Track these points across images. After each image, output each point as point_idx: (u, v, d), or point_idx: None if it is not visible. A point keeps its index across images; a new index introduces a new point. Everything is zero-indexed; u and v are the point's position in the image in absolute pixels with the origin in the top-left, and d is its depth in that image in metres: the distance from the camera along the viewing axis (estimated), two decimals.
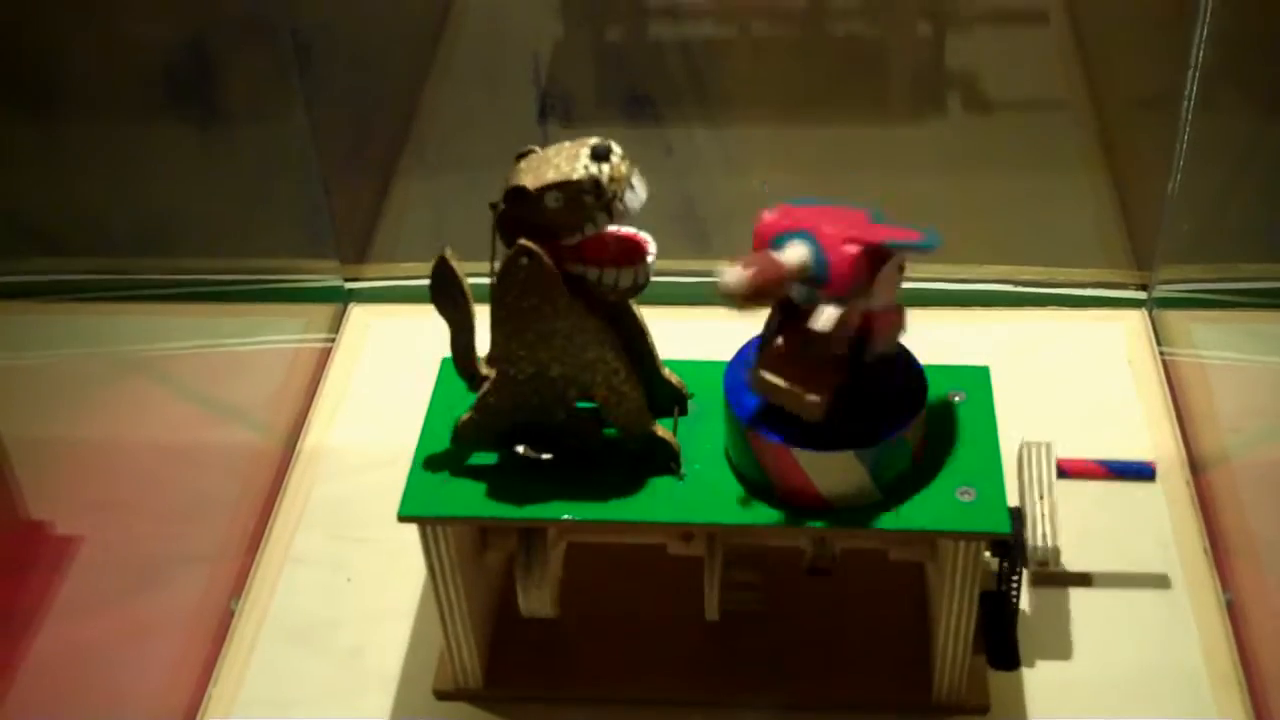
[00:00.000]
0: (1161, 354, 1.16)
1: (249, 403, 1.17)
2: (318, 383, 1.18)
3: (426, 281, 0.83)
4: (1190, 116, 1.13)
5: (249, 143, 1.28)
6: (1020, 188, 1.33)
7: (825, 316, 0.77)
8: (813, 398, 0.79)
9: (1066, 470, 0.94)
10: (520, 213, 0.78)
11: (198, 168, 1.24)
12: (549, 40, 1.41)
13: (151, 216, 1.23)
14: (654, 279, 0.82)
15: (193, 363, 1.19)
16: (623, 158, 0.77)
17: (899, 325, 0.83)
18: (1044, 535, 0.89)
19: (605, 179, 0.77)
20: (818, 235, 0.77)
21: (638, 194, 0.78)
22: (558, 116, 1.43)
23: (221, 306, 1.25)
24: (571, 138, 0.79)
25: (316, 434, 1.14)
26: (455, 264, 0.82)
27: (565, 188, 0.77)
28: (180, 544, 1.05)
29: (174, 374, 1.17)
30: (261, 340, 1.24)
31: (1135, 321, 1.20)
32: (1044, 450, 0.93)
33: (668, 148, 1.40)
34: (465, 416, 0.86)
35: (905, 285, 0.76)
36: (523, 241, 0.78)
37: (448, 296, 0.83)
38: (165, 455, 1.11)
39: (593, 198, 0.77)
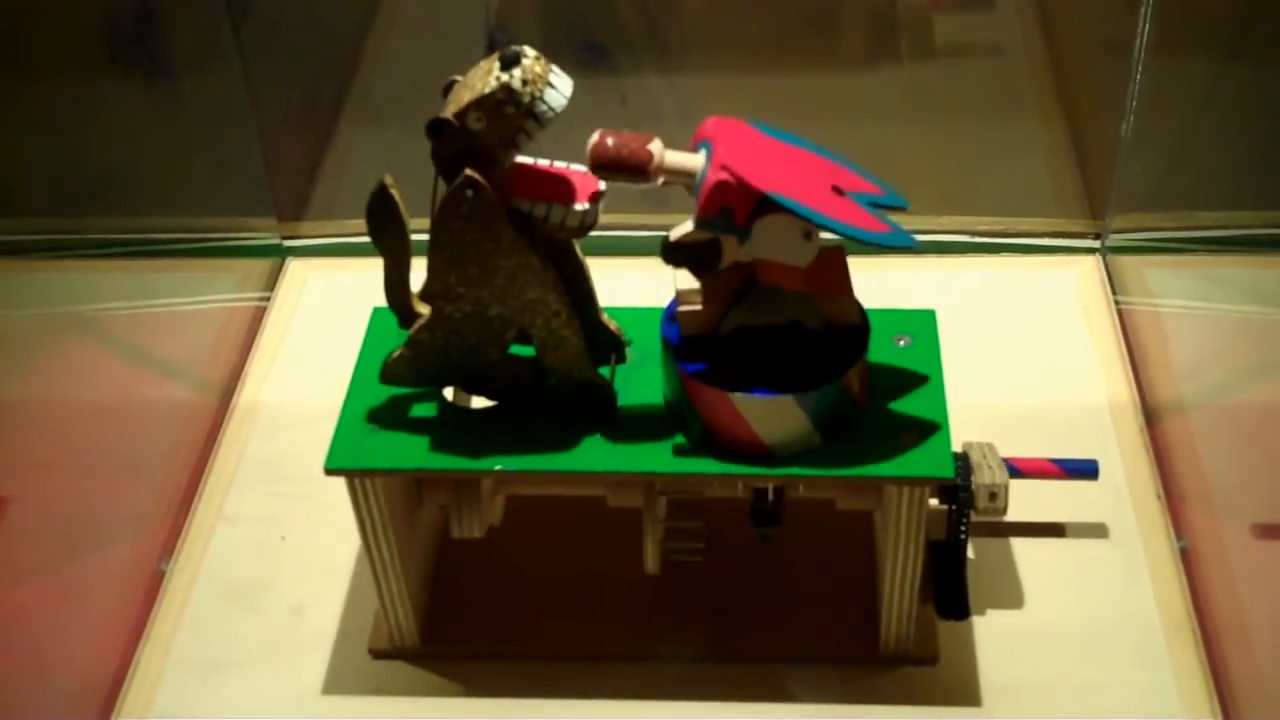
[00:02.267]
0: (1116, 301, 1.14)
1: (184, 360, 1.14)
2: (254, 338, 1.16)
3: (367, 239, 0.80)
4: (1142, 58, 1.11)
5: (183, 96, 1.25)
6: (974, 134, 1.31)
7: (677, 228, 0.76)
8: (686, 305, 0.78)
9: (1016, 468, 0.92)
10: (451, 144, 0.75)
11: (130, 122, 1.21)
12: None
13: (83, 173, 1.20)
14: (606, 231, 0.80)
15: (126, 320, 1.16)
16: (536, 58, 0.74)
17: (839, 288, 0.80)
18: (991, 469, 0.87)
19: (518, 83, 0.74)
20: (712, 152, 0.74)
21: (560, 91, 0.75)
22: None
23: (156, 263, 1.22)
24: None
25: (251, 390, 1.11)
26: (396, 192, 0.79)
27: (482, 104, 0.74)
28: (112, 504, 1.02)
29: (107, 332, 1.14)
30: (197, 297, 1.21)
31: (1089, 268, 1.18)
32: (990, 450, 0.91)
33: (622, 97, 1.38)
34: (395, 353, 0.83)
35: None
36: (468, 172, 0.75)
37: (386, 226, 0.80)
38: (98, 414, 1.08)
39: (513, 107, 0.74)
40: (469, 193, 0.76)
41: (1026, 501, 0.95)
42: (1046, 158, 1.30)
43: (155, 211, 1.23)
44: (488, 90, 0.73)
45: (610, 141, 0.73)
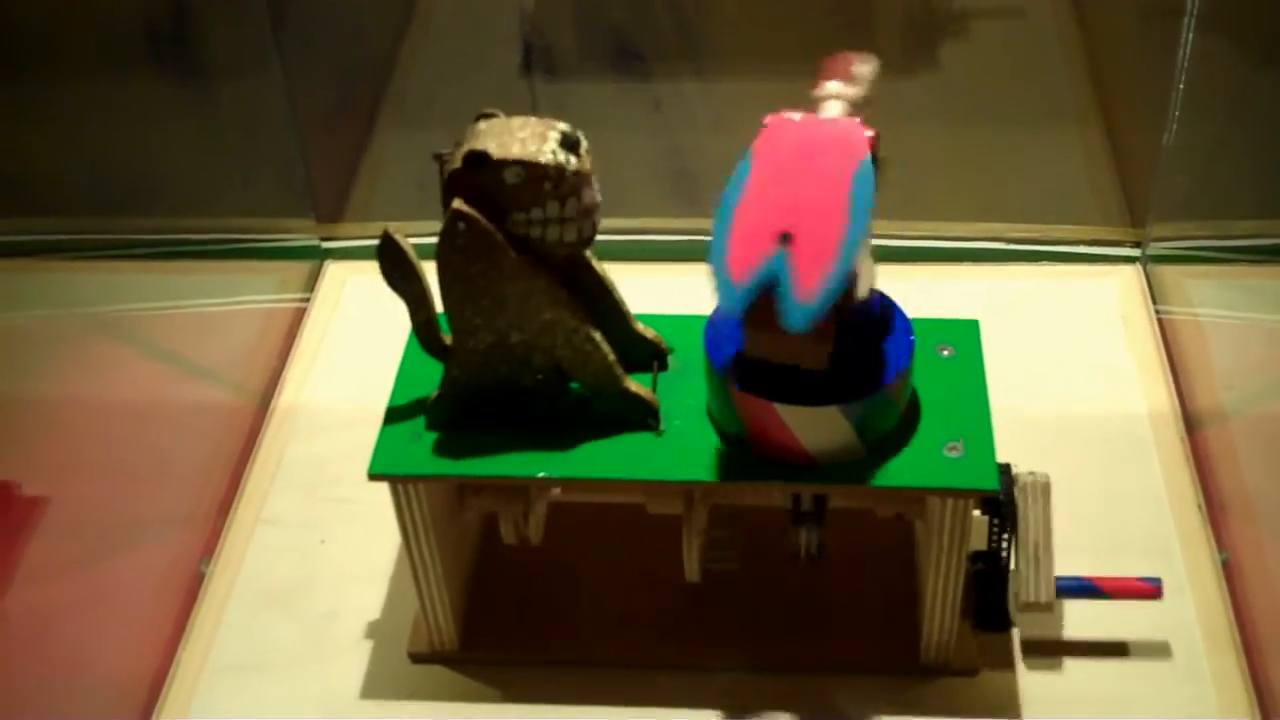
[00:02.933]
0: (1156, 311, 1.14)
1: (222, 362, 1.14)
2: (293, 341, 1.16)
3: (412, 238, 0.80)
4: (1185, 66, 1.10)
5: (223, 98, 1.25)
6: (1013, 141, 1.31)
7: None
8: (814, 345, 0.76)
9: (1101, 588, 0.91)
10: (474, 177, 0.75)
11: (169, 123, 1.21)
12: None
13: (122, 174, 1.20)
14: (642, 236, 0.80)
15: (165, 322, 1.16)
16: (588, 152, 0.75)
17: (870, 270, 0.80)
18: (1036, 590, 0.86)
19: (570, 171, 0.74)
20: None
21: (593, 194, 0.76)
22: (543, 70, 1.40)
23: (195, 264, 1.22)
24: (558, 92, 0.76)
25: (291, 393, 1.11)
26: (401, 239, 0.80)
27: (531, 168, 0.74)
28: (150, 506, 1.02)
29: (145, 333, 1.14)
30: (236, 299, 1.22)
31: (1129, 277, 1.18)
32: (1041, 493, 0.89)
33: (656, 102, 1.38)
34: (433, 396, 0.83)
35: (892, 242, 0.74)
36: (456, 205, 0.76)
37: (399, 273, 0.81)
38: (136, 416, 1.08)
39: (551, 185, 0.75)
40: (461, 226, 0.76)
41: (1066, 514, 0.94)
42: (1086, 165, 1.30)
43: (194, 213, 1.23)
44: (543, 160, 0.74)
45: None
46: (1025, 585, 0.86)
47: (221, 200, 1.23)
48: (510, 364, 0.82)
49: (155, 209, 1.21)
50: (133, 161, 1.20)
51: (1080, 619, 0.92)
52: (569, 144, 0.75)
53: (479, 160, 0.74)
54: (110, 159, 1.20)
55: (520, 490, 0.84)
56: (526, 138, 0.75)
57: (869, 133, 0.76)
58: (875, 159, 0.76)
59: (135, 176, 1.20)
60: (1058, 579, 0.87)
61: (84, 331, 1.12)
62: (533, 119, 0.76)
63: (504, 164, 0.74)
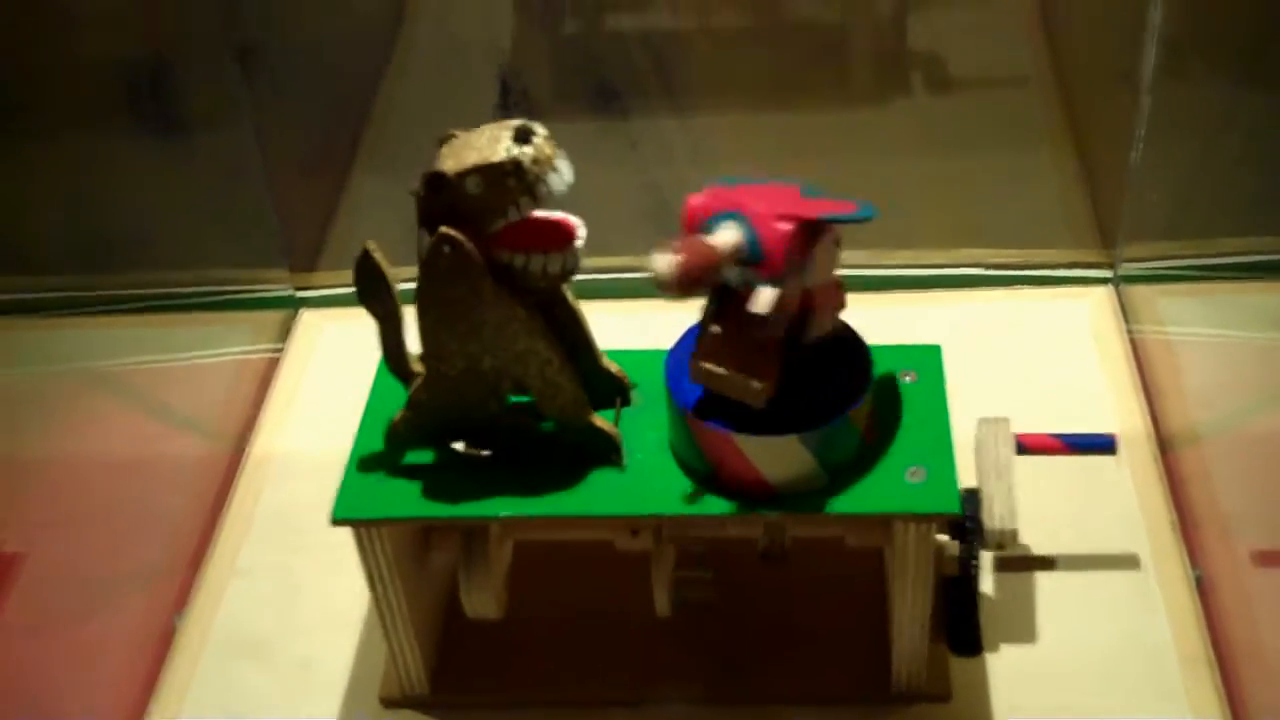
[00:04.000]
0: (1129, 330, 1.14)
1: (197, 412, 1.14)
2: (267, 389, 1.16)
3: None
4: (1150, 85, 1.10)
5: (194, 150, 1.25)
6: (984, 167, 1.31)
7: (764, 298, 0.74)
8: (756, 384, 0.77)
9: (1026, 445, 0.91)
10: (441, 199, 0.75)
11: (142, 178, 1.21)
12: (509, 34, 1.39)
13: (95, 229, 1.21)
14: (620, 275, 0.80)
15: (139, 375, 1.17)
16: (547, 138, 0.75)
17: (839, 302, 0.81)
18: (1000, 517, 0.86)
19: (528, 160, 0.74)
20: (748, 214, 0.74)
21: (563, 176, 0.75)
22: (520, 112, 1.40)
23: (169, 317, 1.22)
24: None
25: (265, 440, 1.11)
26: (379, 257, 0.80)
27: (486, 171, 0.74)
28: (125, 559, 1.02)
29: (120, 386, 1.15)
30: (210, 350, 1.22)
31: (1101, 298, 1.17)
32: (1001, 427, 0.91)
33: (633, 141, 1.38)
34: (398, 416, 0.83)
35: (866, 271, 0.74)
36: (444, 229, 0.76)
37: (373, 292, 0.81)
38: (112, 469, 1.08)
39: (515, 180, 0.74)
40: (446, 249, 0.76)
41: (1038, 531, 0.94)
42: (1058, 188, 1.30)
43: (168, 266, 1.23)
44: (495, 160, 0.74)
45: (680, 259, 0.72)
46: (989, 512, 0.86)
47: (196, 253, 1.24)
48: (480, 391, 0.81)
49: (129, 263, 1.21)
50: (106, 216, 1.20)
51: (1055, 638, 0.91)
52: (522, 136, 0.74)
53: (437, 182, 0.75)
54: (84, 215, 1.20)
55: (483, 531, 0.84)
56: (482, 145, 0.75)
57: None
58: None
59: (108, 231, 1.21)
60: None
61: (59, 386, 1.13)
62: (489, 125, 0.76)
63: (462, 177, 0.74)
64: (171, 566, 1.02)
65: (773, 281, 0.74)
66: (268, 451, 1.10)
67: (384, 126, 1.42)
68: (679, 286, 0.72)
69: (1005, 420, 0.91)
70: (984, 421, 0.91)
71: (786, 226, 0.73)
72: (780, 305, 0.74)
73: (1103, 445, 0.93)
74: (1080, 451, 0.93)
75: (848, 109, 1.39)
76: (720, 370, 0.77)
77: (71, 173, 1.18)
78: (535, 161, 0.74)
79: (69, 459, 1.08)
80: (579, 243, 0.78)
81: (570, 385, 0.81)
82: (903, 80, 1.40)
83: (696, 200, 0.76)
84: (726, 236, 0.74)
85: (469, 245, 0.76)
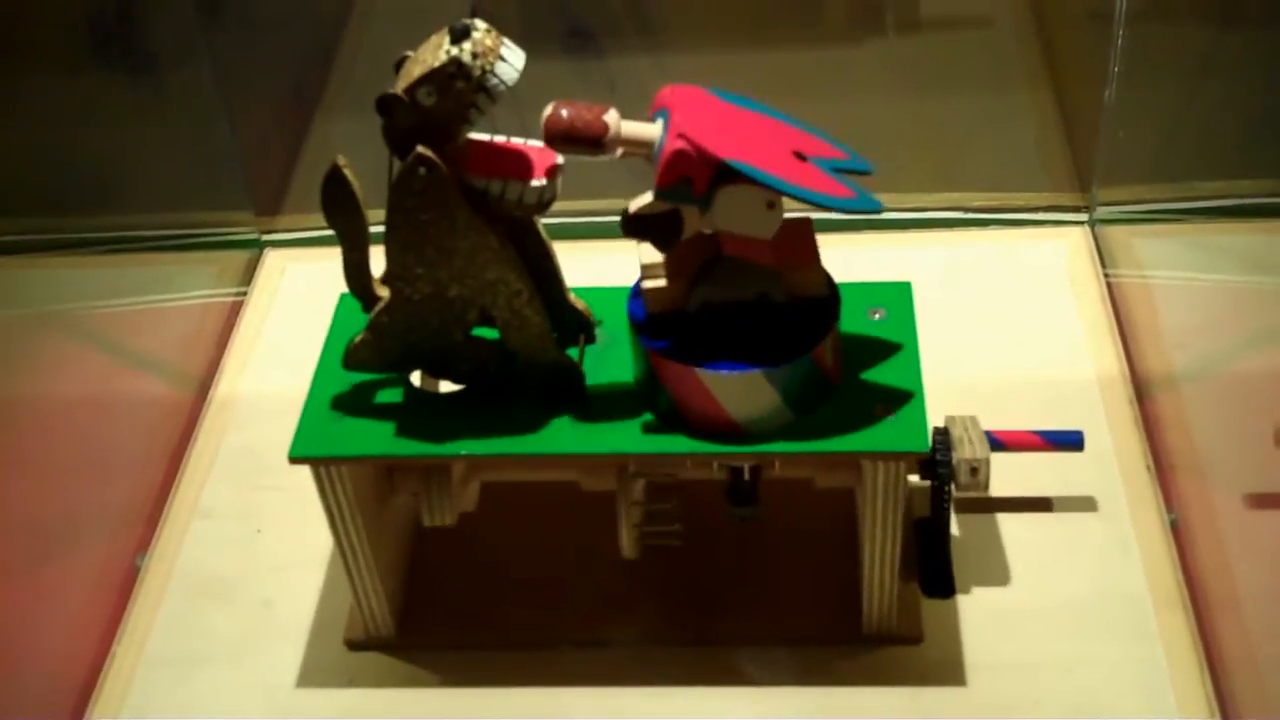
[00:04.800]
0: (1105, 273, 1.13)
1: (160, 354, 1.13)
2: (231, 331, 1.14)
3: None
4: (1123, 22, 1.09)
5: (157, 91, 1.24)
6: (960, 108, 1.30)
7: (636, 199, 0.75)
8: (650, 281, 0.77)
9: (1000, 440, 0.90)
10: (401, 122, 0.73)
11: (105, 119, 1.20)
12: None
13: (58, 170, 1.19)
14: (595, 219, 0.78)
15: (102, 317, 1.15)
16: (487, 30, 0.73)
17: (803, 264, 0.78)
18: (972, 443, 0.85)
19: (468, 57, 0.72)
20: (670, 121, 0.72)
21: (511, 64, 0.73)
22: None
23: (133, 258, 1.21)
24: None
25: (228, 383, 1.10)
26: (349, 173, 0.78)
27: (432, 78, 0.72)
28: (87, 500, 1.01)
29: (83, 328, 1.13)
30: (174, 294, 1.20)
31: (1077, 240, 1.16)
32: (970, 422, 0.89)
33: (610, 84, 1.36)
34: (358, 338, 0.81)
35: (841, 216, 0.71)
36: (420, 149, 0.74)
37: (340, 208, 0.79)
38: (73, 410, 1.07)
39: (463, 80, 0.72)
40: (422, 171, 0.74)
41: (1012, 476, 0.93)
42: (1035, 130, 1.28)
43: (132, 208, 1.21)
44: (437, 64, 0.72)
45: (564, 113, 0.71)
46: (962, 446, 0.85)
47: (160, 194, 1.22)
48: (444, 317, 0.80)
49: (92, 204, 1.20)
50: (69, 158, 1.18)
51: (1028, 582, 0.90)
52: (459, 34, 0.72)
53: (390, 103, 0.73)
54: (47, 156, 1.18)
55: (446, 469, 0.83)
56: (424, 55, 0.73)
57: None
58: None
59: (72, 173, 1.19)
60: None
61: (22, 328, 1.11)
62: (433, 37, 0.74)
63: (411, 91, 0.73)
64: (134, 508, 1.00)
65: (655, 193, 0.73)
66: (231, 393, 1.09)
67: (350, 67, 1.41)
68: (551, 131, 0.72)
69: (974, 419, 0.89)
70: (951, 419, 0.89)
71: (676, 144, 0.71)
72: (650, 215, 0.74)
73: (1071, 442, 0.92)
74: (1053, 448, 0.92)
75: (823, 49, 1.38)
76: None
77: (33, 113, 1.16)
78: (475, 56, 0.72)
79: (30, 401, 1.06)
80: (558, 174, 0.76)
81: (537, 319, 0.80)
82: (878, 20, 1.38)
83: (664, 91, 0.74)
84: (635, 125, 0.73)
85: (444, 169, 0.74)
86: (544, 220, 0.82)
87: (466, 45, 0.72)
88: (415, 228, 0.76)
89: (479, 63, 0.72)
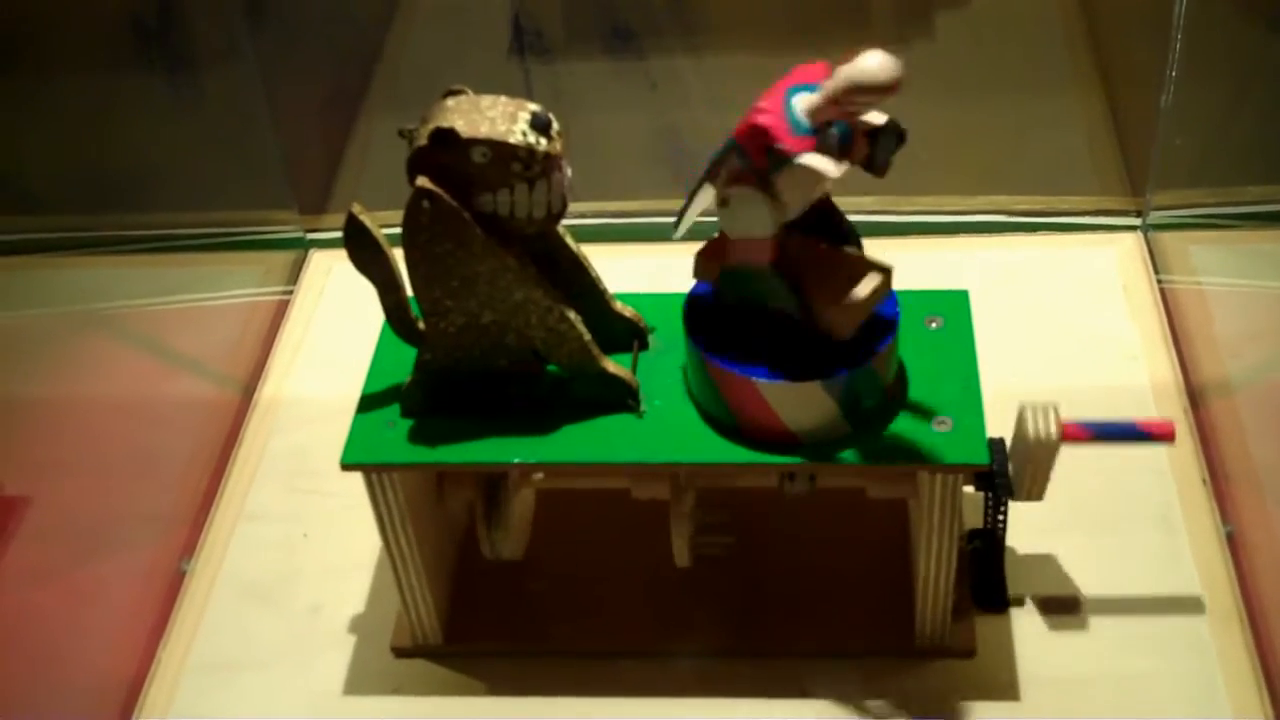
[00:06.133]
0: (1158, 280, 1.11)
1: (206, 355, 1.12)
2: (276, 332, 1.14)
3: (391, 228, 0.78)
4: (1182, 26, 1.08)
5: (203, 91, 1.23)
6: (1011, 111, 1.29)
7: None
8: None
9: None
10: (440, 155, 0.73)
11: (151, 119, 1.20)
12: None
13: (105, 170, 1.19)
14: (638, 220, 0.77)
15: (148, 317, 1.15)
16: (560, 134, 0.73)
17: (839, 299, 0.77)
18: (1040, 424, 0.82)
19: (540, 153, 0.72)
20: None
21: (566, 178, 0.74)
22: (534, 52, 1.38)
23: (179, 258, 1.21)
24: (550, 74, 0.74)
25: (274, 384, 1.09)
26: (366, 219, 0.77)
27: (499, 148, 0.72)
28: (133, 503, 1.01)
29: (129, 328, 1.13)
30: (219, 293, 1.20)
31: (1130, 246, 1.15)
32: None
33: (652, 83, 1.36)
34: (407, 382, 0.81)
35: (888, 218, 0.70)
36: (420, 182, 0.73)
37: (365, 254, 0.79)
38: (120, 412, 1.07)
39: (521, 166, 0.72)
40: (425, 203, 0.73)
41: (1065, 487, 0.92)
42: (1086, 134, 1.27)
43: (178, 207, 1.21)
44: (512, 141, 0.72)
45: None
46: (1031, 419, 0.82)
47: (205, 193, 1.22)
48: (484, 346, 0.79)
49: (139, 204, 1.20)
50: (115, 157, 1.18)
51: (1082, 594, 0.89)
52: (540, 125, 0.72)
53: (446, 138, 0.72)
54: (93, 155, 1.18)
55: (501, 479, 0.82)
56: (496, 117, 0.73)
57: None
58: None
59: (118, 172, 1.19)
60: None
61: (67, 328, 1.11)
62: (503, 98, 0.74)
63: (472, 143, 0.72)
64: (180, 511, 1.00)
65: None
66: (277, 394, 1.08)
67: (395, 67, 1.40)
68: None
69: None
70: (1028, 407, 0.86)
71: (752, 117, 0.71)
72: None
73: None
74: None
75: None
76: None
77: (79, 112, 1.16)
78: (547, 157, 0.73)
79: (76, 402, 1.06)
80: (566, 181, 0.75)
81: (575, 332, 0.79)
82: (926, 22, 1.37)
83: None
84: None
85: (447, 198, 0.73)
86: (573, 223, 0.81)
87: (544, 141, 0.72)
88: (434, 260, 0.76)
89: (542, 164, 0.72)
